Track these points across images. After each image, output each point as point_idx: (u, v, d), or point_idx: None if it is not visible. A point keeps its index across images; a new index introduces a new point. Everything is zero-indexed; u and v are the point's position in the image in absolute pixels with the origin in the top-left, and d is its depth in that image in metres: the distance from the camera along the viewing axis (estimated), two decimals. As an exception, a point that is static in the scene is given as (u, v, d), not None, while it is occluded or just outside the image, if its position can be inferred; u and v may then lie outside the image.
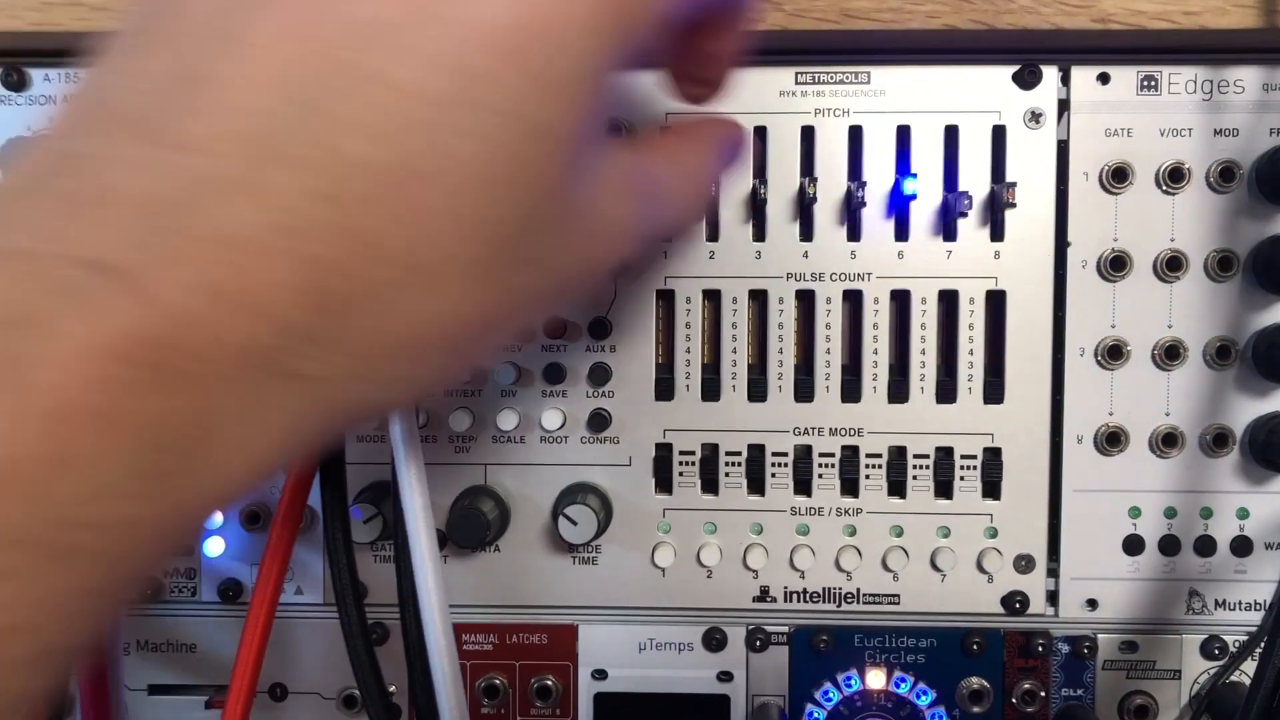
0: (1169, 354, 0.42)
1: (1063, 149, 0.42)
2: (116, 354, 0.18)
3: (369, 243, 0.20)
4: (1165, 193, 0.42)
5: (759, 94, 0.42)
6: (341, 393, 0.21)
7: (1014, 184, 0.41)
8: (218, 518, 0.44)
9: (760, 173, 0.42)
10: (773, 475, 0.43)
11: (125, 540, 0.18)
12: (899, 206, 0.42)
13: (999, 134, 0.42)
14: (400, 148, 0.20)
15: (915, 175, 0.42)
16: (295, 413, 0.20)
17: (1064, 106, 0.42)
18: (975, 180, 0.42)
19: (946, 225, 0.42)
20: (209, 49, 0.20)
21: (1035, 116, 0.42)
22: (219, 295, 0.18)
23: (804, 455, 0.43)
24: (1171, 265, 0.42)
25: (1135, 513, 0.43)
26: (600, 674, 0.44)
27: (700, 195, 0.35)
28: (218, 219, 0.19)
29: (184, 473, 0.19)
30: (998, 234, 0.42)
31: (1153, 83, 0.42)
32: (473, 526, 0.41)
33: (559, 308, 0.24)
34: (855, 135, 0.42)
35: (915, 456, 0.43)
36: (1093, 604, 0.43)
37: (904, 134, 0.42)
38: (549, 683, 0.44)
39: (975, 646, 0.43)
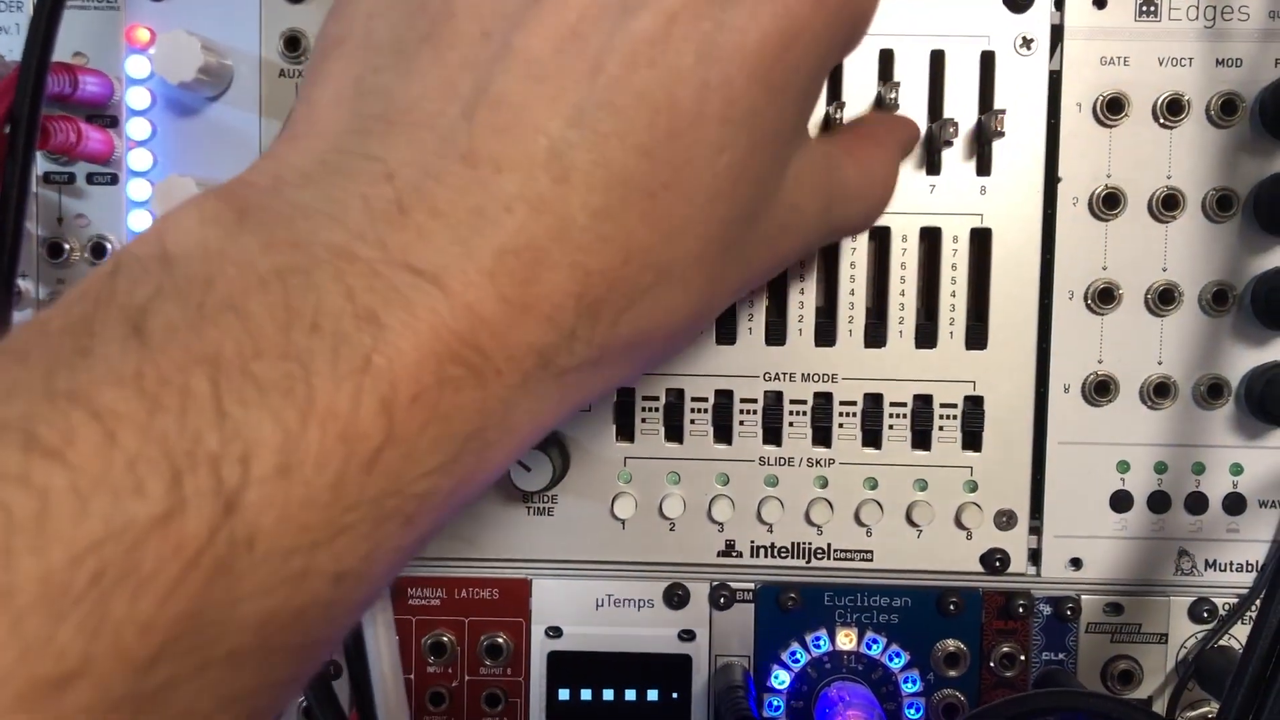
0: (1163, 298, 0.40)
1: (1055, 78, 0.40)
2: (443, 353, 0.20)
3: (631, 250, 0.23)
4: (1163, 126, 0.39)
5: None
6: (588, 380, 0.23)
7: (1002, 111, 0.38)
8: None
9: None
10: (740, 423, 0.41)
11: (426, 509, 0.21)
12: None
13: (987, 60, 0.40)
14: (662, 161, 0.22)
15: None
16: (553, 400, 0.23)
17: (1057, 33, 0.39)
18: (961, 110, 0.40)
19: (930, 157, 0.40)
20: (490, 62, 0.22)
21: (1026, 42, 0.39)
22: (511, 303, 0.21)
23: (774, 402, 0.41)
24: (1168, 204, 0.39)
25: (1124, 467, 0.40)
26: (554, 632, 0.42)
27: (883, 198, 0.36)
28: (511, 232, 0.21)
29: (472, 454, 0.21)
30: (984, 168, 0.40)
31: (1151, 8, 0.39)
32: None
33: (737, 299, 0.29)
34: (834, 59, 0.40)
35: (892, 405, 0.40)
36: (1077, 563, 0.41)
37: (886, 58, 0.40)
38: (500, 640, 0.42)
39: (952, 607, 0.41)
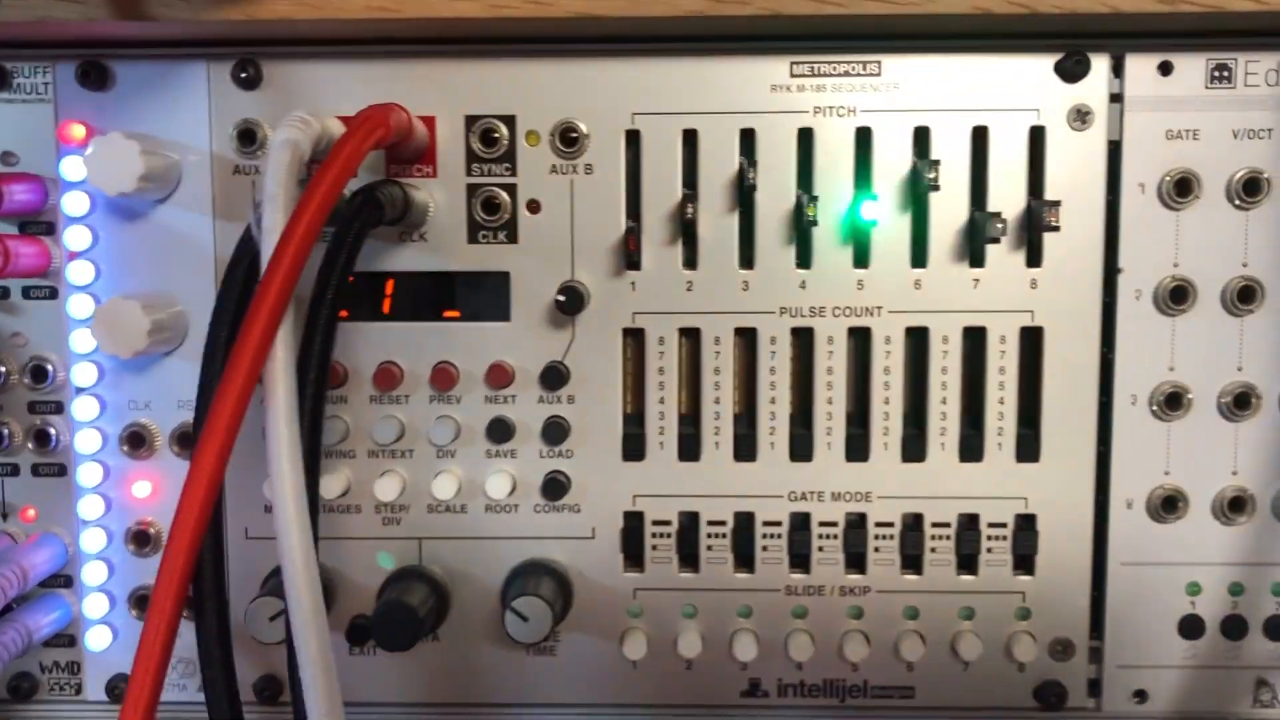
0: (1239, 403, 0.36)
1: (1114, 154, 0.36)
2: None
3: None
4: (1238, 208, 0.35)
5: (746, 89, 0.35)
6: None
7: (1057, 203, 0.34)
8: (103, 604, 0.37)
9: (745, 186, 0.35)
10: (764, 549, 0.37)
11: None
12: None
13: (1037, 136, 0.36)
14: None
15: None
16: None
17: (1116, 102, 0.35)
18: (1008, 194, 0.35)
19: (973, 249, 0.35)
20: None
21: (1081, 115, 0.35)
22: None
23: (801, 524, 0.37)
24: (1244, 296, 0.35)
25: (1194, 589, 0.37)
26: (560, 783, 0.38)
27: None
28: None
29: None
30: (1034, 259, 0.36)
31: (1226, 73, 0.35)
32: (400, 625, 0.34)
33: None
34: (863, 138, 0.35)
35: (934, 525, 0.37)
36: (1141, 695, 0.38)
37: (922, 136, 0.35)
38: (500, 793, 0.38)
39: (1003, 746, 0.37)
